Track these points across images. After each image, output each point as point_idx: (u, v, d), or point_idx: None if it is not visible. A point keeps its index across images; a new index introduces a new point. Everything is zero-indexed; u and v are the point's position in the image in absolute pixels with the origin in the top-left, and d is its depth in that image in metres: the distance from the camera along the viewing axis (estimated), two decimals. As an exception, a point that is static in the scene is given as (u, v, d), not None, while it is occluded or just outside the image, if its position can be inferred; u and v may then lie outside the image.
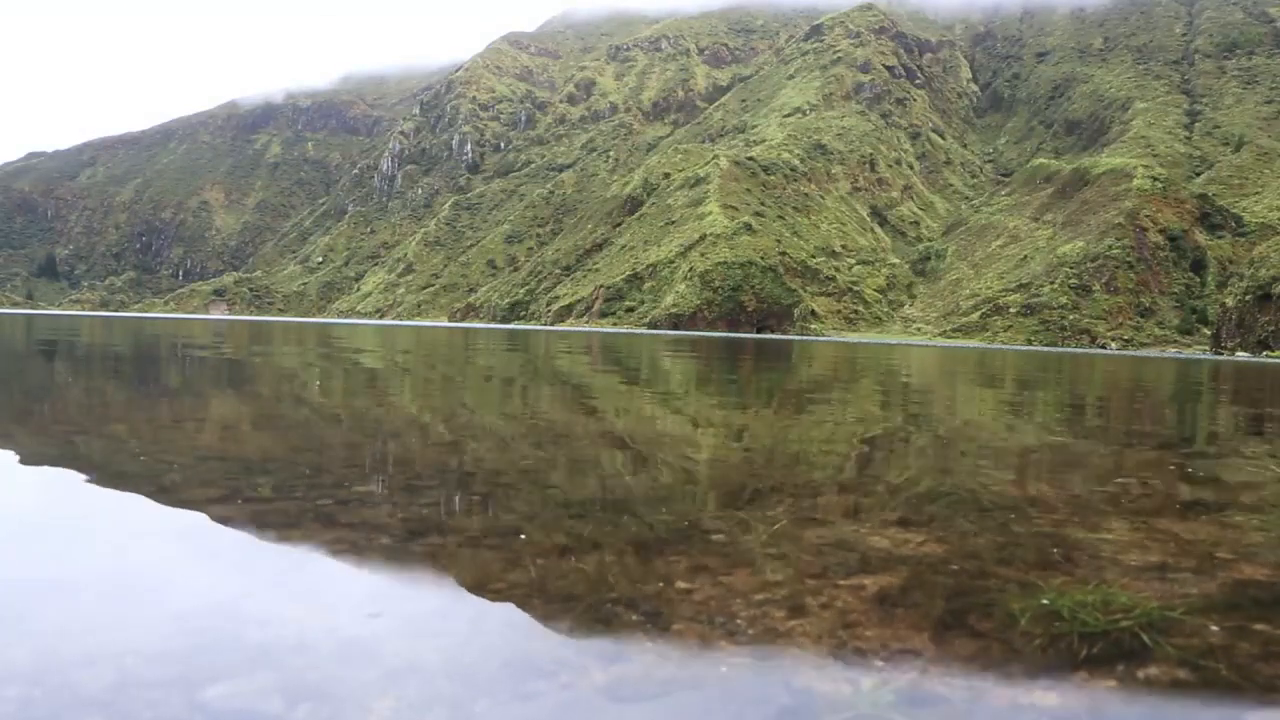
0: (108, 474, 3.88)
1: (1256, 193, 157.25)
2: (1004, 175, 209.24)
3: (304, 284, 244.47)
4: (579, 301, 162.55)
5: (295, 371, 12.54)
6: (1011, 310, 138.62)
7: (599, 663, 1.87)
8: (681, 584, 2.41)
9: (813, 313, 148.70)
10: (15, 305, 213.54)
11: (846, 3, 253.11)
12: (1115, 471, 5.08)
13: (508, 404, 9.04)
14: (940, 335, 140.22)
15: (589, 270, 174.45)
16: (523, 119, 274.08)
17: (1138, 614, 2.23)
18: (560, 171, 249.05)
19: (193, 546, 2.77)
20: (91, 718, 1.56)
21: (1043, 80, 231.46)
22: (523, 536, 2.91)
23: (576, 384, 12.40)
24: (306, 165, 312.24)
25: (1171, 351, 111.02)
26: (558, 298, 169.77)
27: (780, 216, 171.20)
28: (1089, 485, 4.45)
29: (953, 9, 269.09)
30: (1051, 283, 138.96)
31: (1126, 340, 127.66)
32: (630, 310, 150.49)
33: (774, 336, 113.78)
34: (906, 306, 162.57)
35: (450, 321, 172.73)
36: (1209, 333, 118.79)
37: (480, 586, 2.35)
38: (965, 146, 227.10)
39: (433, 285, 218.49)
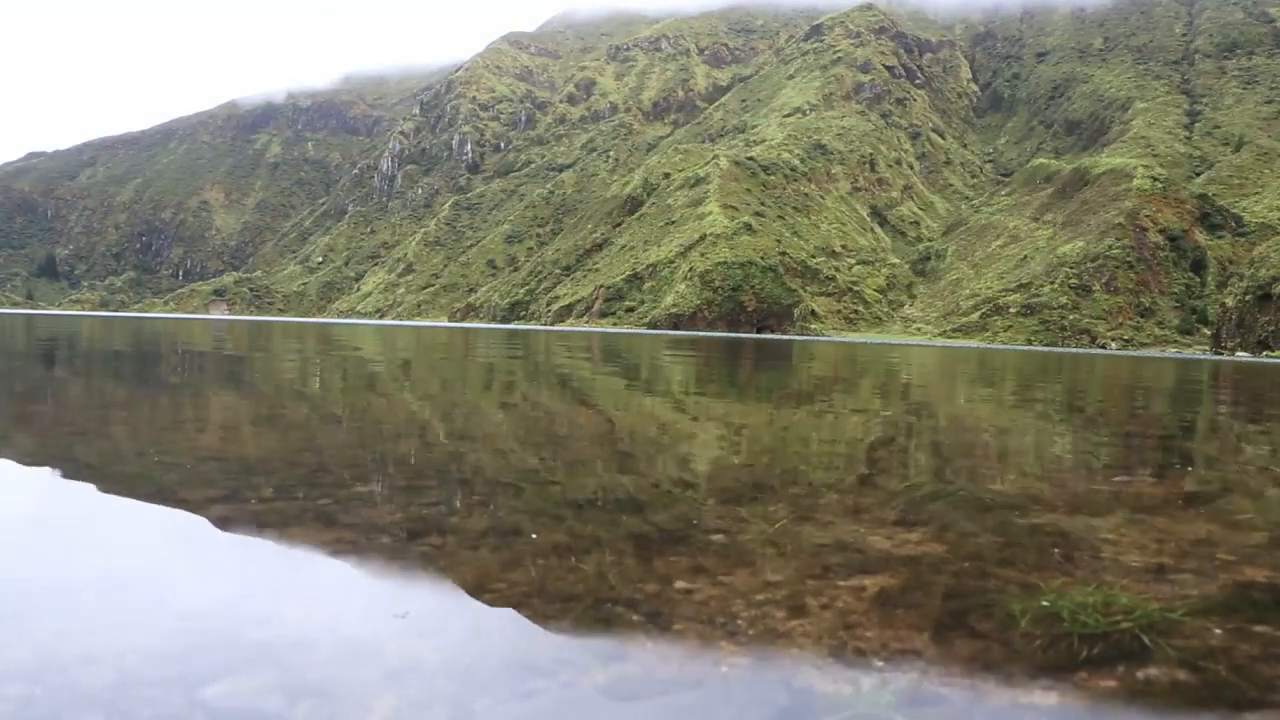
0: (108, 474, 3.88)
1: (1256, 193, 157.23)
2: (1004, 175, 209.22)
3: (304, 284, 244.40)
4: (579, 301, 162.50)
5: (295, 372, 12.54)
6: (1011, 310, 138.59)
7: (599, 662, 1.87)
8: (682, 584, 2.41)
9: (813, 313, 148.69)
10: (15, 305, 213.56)
11: (846, 3, 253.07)
12: (1115, 472, 5.07)
13: (508, 404, 9.04)
14: (940, 335, 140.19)
15: (589, 270, 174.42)
16: (523, 119, 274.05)
17: (1138, 615, 2.23)
18: (560, 171, 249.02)
19: (193, 546, 2.77)
20: (92, 716, 1.56)
21: (1043, 80, 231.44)
22: (523, 536, 2.90)
23: (577, 384, 12.40)
24: (306, 165, 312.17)
25: (1171, 352, 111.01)
26: (558, 298, 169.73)
27: (780, 216, 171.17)
28: (1089, 485, 4.45)
29: (953, 9, 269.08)
30: (1051, 283, 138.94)
31: (1126, 340, 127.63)
32: (630, 310, 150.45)
33: (774, 336, 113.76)
34: (906, 306, 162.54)
35: (450, 322, 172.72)
36: (1209, 333, 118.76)
37: (480, 586, 2.35)
38: (965, 146, 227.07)
39: (433, 285, 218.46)
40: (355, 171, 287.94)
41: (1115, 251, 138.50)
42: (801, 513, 3.44)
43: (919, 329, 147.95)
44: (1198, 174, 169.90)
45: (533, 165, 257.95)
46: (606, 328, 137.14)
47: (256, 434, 5.61)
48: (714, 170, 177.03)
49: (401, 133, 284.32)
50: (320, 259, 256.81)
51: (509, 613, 2.16)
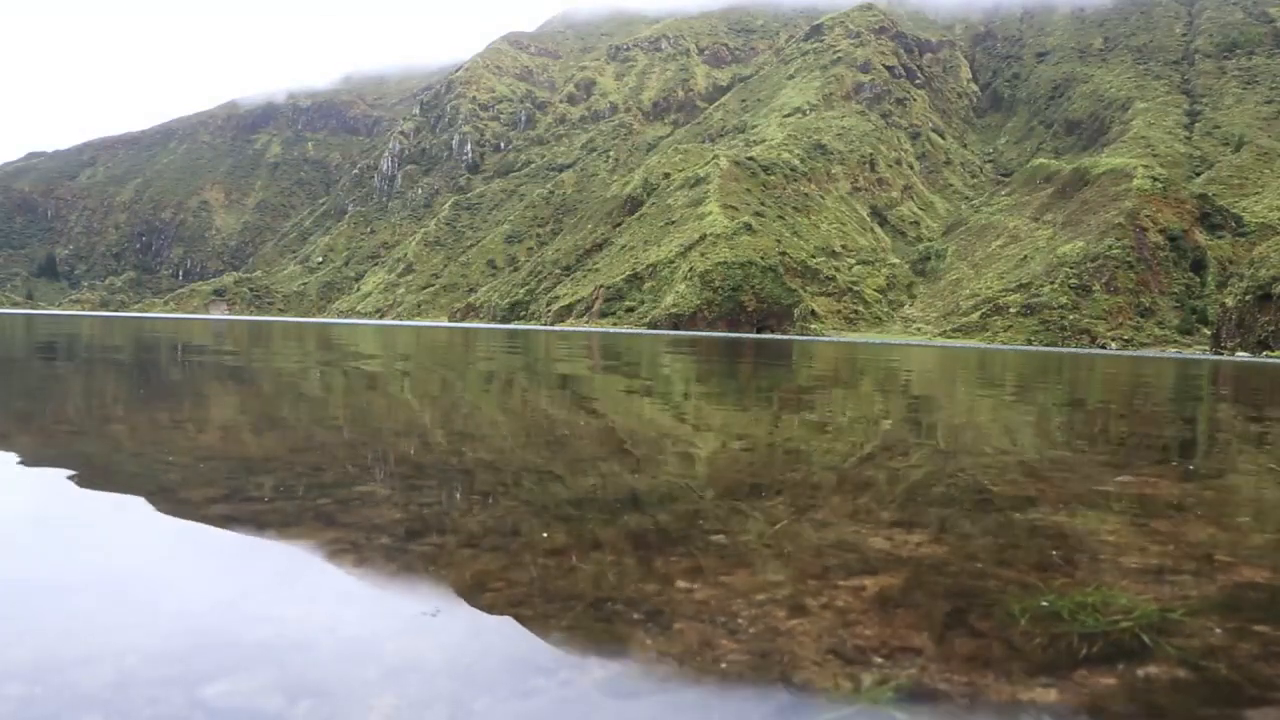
0: (108, 474, 3.89)
1: (1256, 193, 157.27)
2: (1004, 175, 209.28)
3: (304, 284, 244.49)
4: (579, 301, 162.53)
5: (295, 372, 12.55)
6: (1011, 310, 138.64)
7: (599, 661, 1.87)
8: (682, 583, 2.41)
9: (813, 313, 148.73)
10: (15, 305, 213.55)
11: (846, 3, 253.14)
12: (1115, 472, 5.07)
13: (507, 404, 9.04)
14: (940, 335, 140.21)
15: (589, 270, 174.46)
16: (523, 119, 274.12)
17: (1138, 615, 2.23)
18: (560, 171, 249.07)
19: (193, 546, 2.76)
20: (92, 716, 1.56)
21: (1043, 80, 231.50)
22: (522, 536, 2.90)
23: (577, 384, 12.41)
24: (306, 165, 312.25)
25: (1171, 351, 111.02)
26: (558, 298, 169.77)
27: (780, 216, 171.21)
28: (1089, 486, 4.45)
29: (953, 9, 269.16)
30: (1051, 283, 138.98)
31: (1126, 340, 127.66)
32: (630, 310, 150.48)
33: (774, 336, 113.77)
34: (906, 306, 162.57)
35: (450, 322, 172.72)
36: (1209, 333, 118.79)
37: (480, 585, 2.35)
38: (965, 146, 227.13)
39: (433, 285, 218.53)
40: (355, 171, 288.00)
41: (1115, 251, 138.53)
42: (802, 513, 3.44)
43: (919, 329, 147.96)
44: (1198, 174, 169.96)
45: (533, 165, 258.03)
46: (606, 328, 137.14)
47: (256, 433, 5.61)
48: (714, 170, 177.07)
49: (401, 133, 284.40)
50: (320, 259, 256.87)
51: (509, 612, 2.16)
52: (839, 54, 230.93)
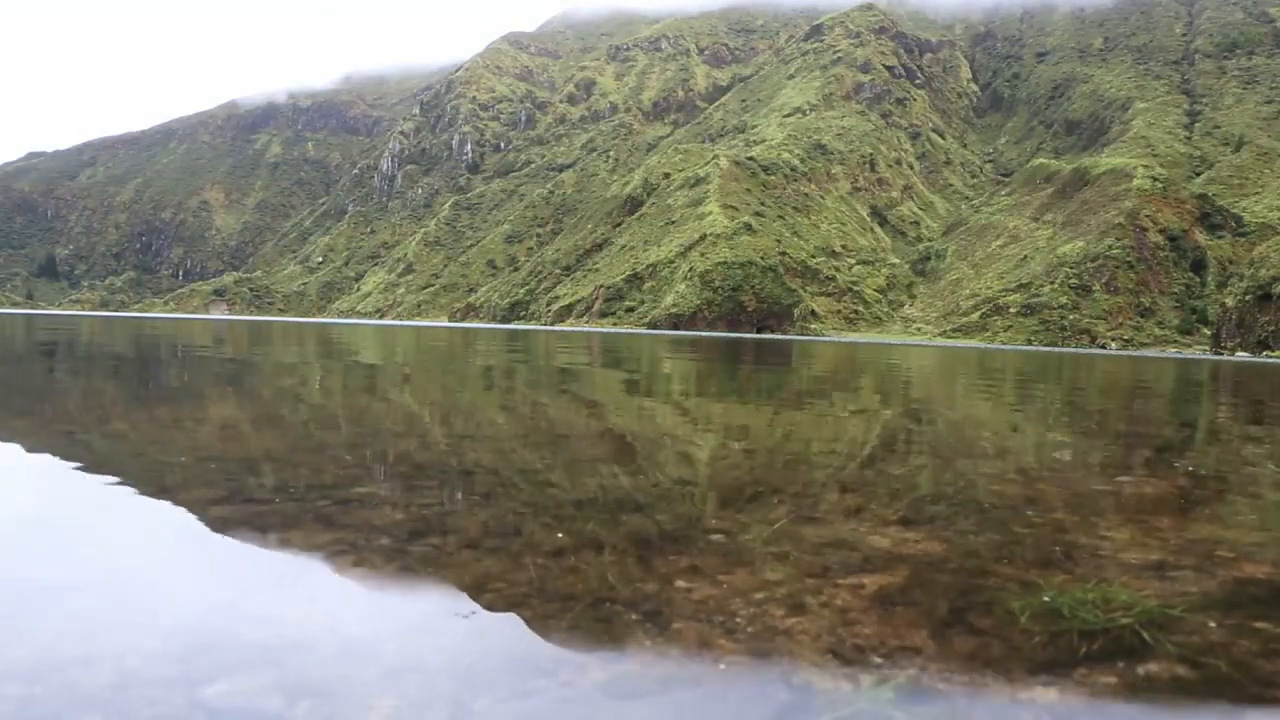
0: (108, 474, 3.88)
1: (1256, 193, 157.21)
2: (1004, 175, 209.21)
3: (304, 284, 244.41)
4: (579, 301, 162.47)
5: (295, 372, 12.54)
6: (1011, 310, 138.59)
7: (599, 661, 1.87)
8: (681, 583, 2.41)
9: (813, 313, 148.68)
10: (15, 305, 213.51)
11: (846, 3, 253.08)
12: (1115, 470, 5.07)
13: (507, 404, 9.04)
14: (940, 335, 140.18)
15: (589, 270, 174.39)
16: (523, 119, 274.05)
17: (1138, 612, 2.23)
18: (560, 171, 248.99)
19: (193, 546, 2.77)
20: (92, 716, 1.56)
21: (1043, 80, 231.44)
22: (522, 536, 2.90)
23: (576, 384, 12.40)
24: (306, 165, 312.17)
25: (1171, 351, 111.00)
26: (558, 298, 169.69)
27: (780, 216, 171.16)
28: (1089, 484, 4.45)
29: (953, 9, 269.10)
30: (1051, 283, 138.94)
31: (1126, 340, 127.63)
32: (630, 310, 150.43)
33: (774, 336, 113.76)
34: (906, 306, 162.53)
35: (450, 322, 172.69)
36: (1209, 333, 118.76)
37: (480, 586, 2.35)
38: (965, 146, 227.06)
39: (433, 285, 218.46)
40: (355, 171, 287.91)
41: (1115, 251, 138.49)
42: (801, 512, 3.44)
43: (919, 329, 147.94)
44: (1198, 174, 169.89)
45: (533, 165, 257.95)
46: (606, 328, 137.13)
47: (256, 434, 5.61)
48: (714, 170, 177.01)
49: (401, 133, 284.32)
50: (320, 259, 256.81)
51: (509, 612, 2.16)
52: (839, 54, 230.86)
